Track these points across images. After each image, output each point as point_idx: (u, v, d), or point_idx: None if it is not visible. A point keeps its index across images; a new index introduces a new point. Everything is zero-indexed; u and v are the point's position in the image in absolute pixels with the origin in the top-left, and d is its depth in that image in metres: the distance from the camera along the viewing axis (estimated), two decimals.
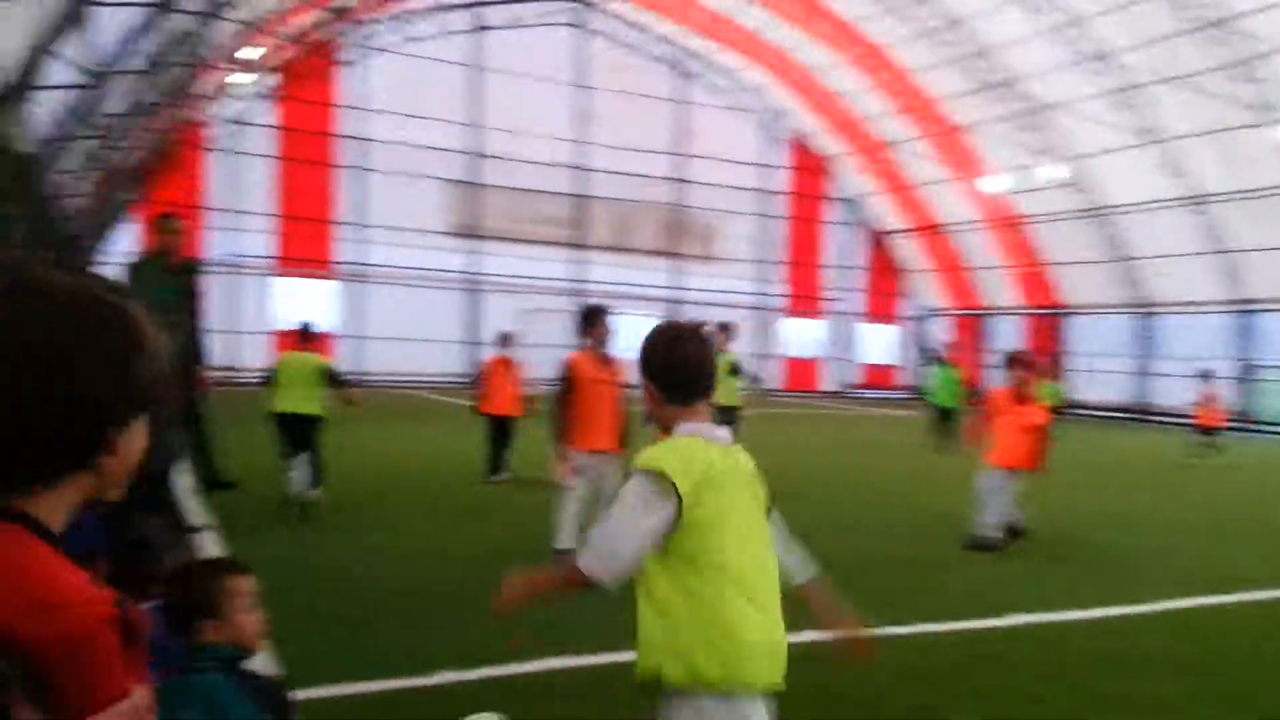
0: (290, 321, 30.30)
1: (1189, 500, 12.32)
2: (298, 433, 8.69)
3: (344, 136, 31.04)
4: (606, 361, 7.02)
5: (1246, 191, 26.75)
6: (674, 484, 2.40)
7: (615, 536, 2.44)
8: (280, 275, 30.49)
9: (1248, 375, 29.18)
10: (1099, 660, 5.15)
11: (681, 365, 2.65)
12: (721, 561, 2.42)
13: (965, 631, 5.69)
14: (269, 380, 9.04)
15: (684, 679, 2.36)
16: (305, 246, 30.49)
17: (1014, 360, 8.71)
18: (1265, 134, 24.76)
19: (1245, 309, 28.82)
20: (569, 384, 6.86)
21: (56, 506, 1.15)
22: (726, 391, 11.22)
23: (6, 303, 1.10)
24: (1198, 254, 29.06)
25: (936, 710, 4.42)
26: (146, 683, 1.16)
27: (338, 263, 31.32)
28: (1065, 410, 20.56)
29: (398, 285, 31.75)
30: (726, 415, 10.95)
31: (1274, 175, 25.66)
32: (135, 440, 1.20)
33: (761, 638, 2.42)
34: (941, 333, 40.37)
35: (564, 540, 6.77)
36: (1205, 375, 19.71)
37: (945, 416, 17.85)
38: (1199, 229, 28.53)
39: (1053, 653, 5.29)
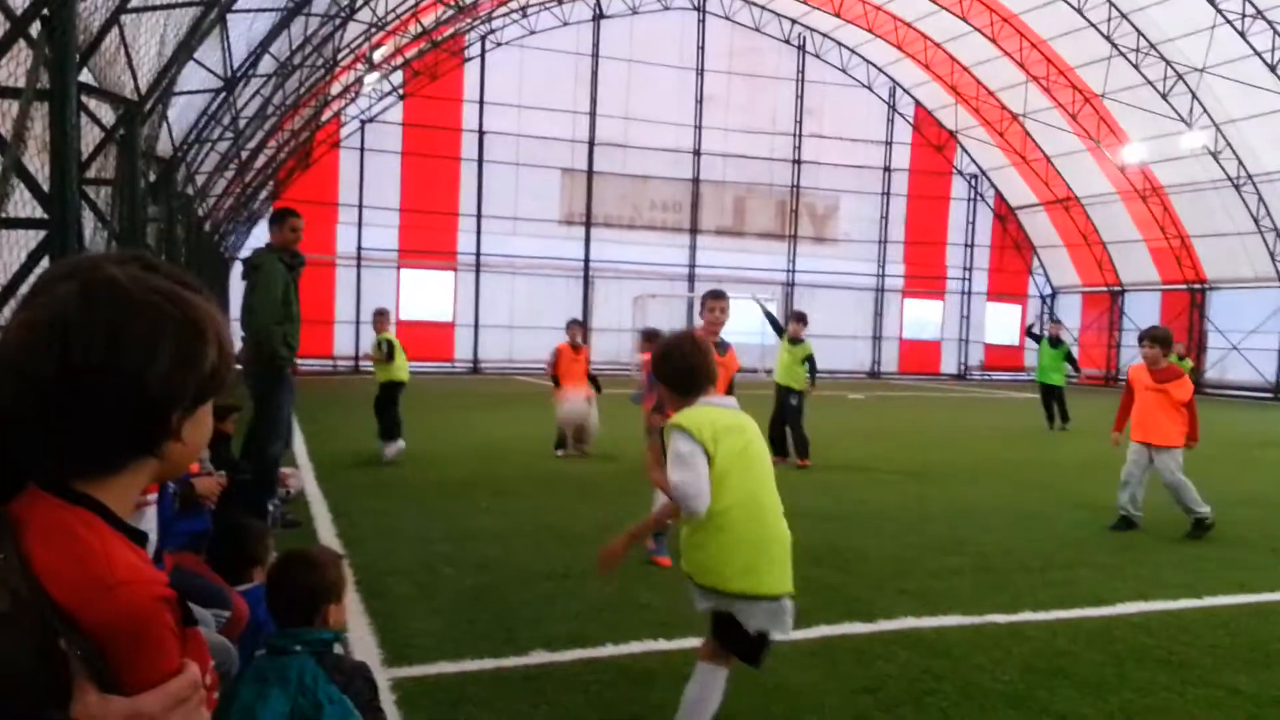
0: (418, 313, 30.86)
1: None
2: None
3: (467, 130, 31.72)
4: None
5: None
6: (698, 433, 3.33)
7: (691, 477, 3.27)
8: (406, 267, 31.42)
9: None
10: None
11: (686, 372, 3.56)
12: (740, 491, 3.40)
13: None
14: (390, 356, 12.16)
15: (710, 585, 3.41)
16: (429, 238, 31.34)
17: (1148, 337, 8.45)
18: None
19: None
20: None
21: (123, 491, 1.20)
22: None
23: (77, 296, 1.14)
24: None
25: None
26: (204, 660, 1.23)
27: (460, 253, 32.06)
28: (1199, 389, 19.41)
29: (517, 275, 32.35)
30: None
31: None
32: (200, 426, 1.25)
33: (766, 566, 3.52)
34: (1068, 311, 38.70)
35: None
36: None
37: (1051, 394, 17.85)
38: None
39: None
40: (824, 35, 35.27)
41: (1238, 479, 11.78)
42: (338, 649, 2.70)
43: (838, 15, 33.59)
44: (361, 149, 30.38)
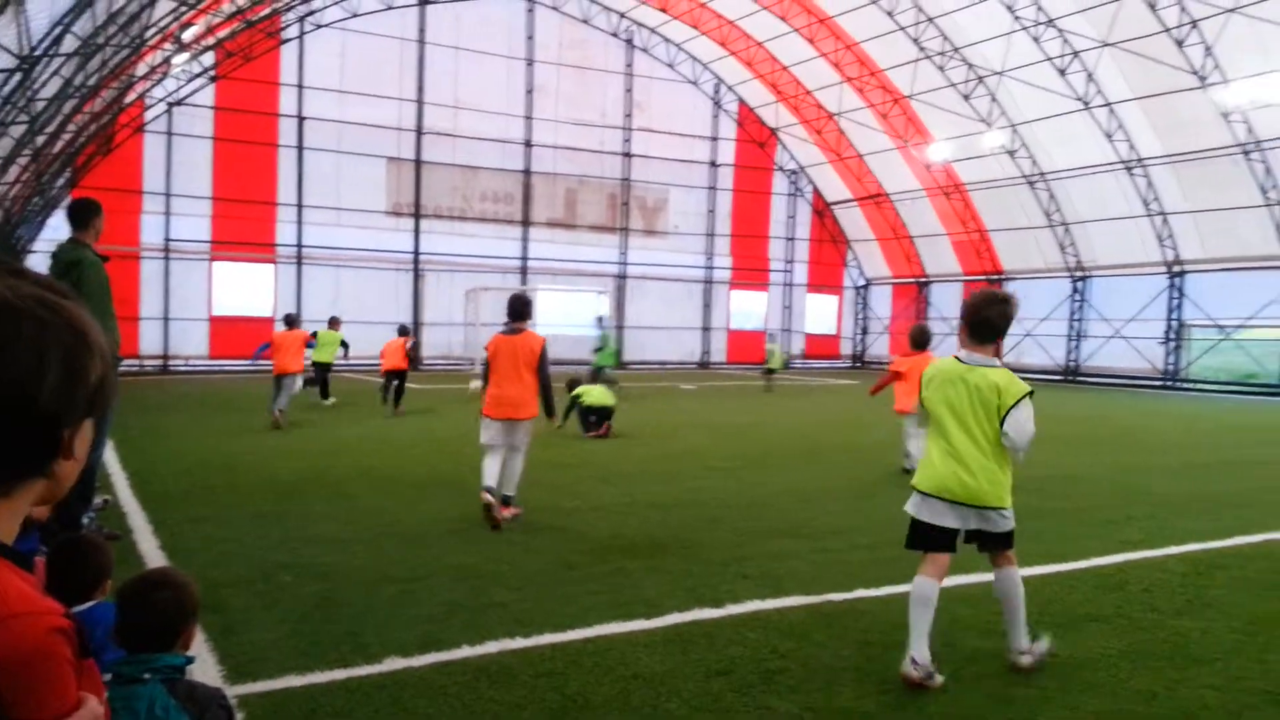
0: (232, 308, 29.91)
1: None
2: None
3: (284, 116, 30.30)
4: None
5: (1182, 155, 27.44)
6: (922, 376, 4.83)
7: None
8: (219, 260, 29.77)
9: (1178, 335, 30.02)
10: None
11: (981, 322, 4.66)
12: (939, 427, 4.58)
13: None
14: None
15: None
16: (245, 229, 29.79)
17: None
18: (1200, 98, 25.37)
19: (1177, 270, 29.58)
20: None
21: (10, 515, 1.11)
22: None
23: None
24: (1132, 217, 29.78)
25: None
26: (100, 693, 1.15)
27: (279, 245, 30.63)
28: None
29: (342, 267, 31.24)
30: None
31: (1209, 139, 26.31)
32: (85, 441, 1.16)
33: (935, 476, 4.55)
34: (880, 301, 40.96)
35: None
36: None
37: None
38: (1135, 192, 29.20)
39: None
40: (651, 30, 35.78)
41: (1043, 457, 12.79)
42: (189, 674, 2.55)
43: (664, 11, 34.16)
44: (169, 134, 28.53)
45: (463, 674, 4.36)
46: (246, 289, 30.10)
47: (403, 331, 18.71)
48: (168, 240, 28.70)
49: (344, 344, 18.54)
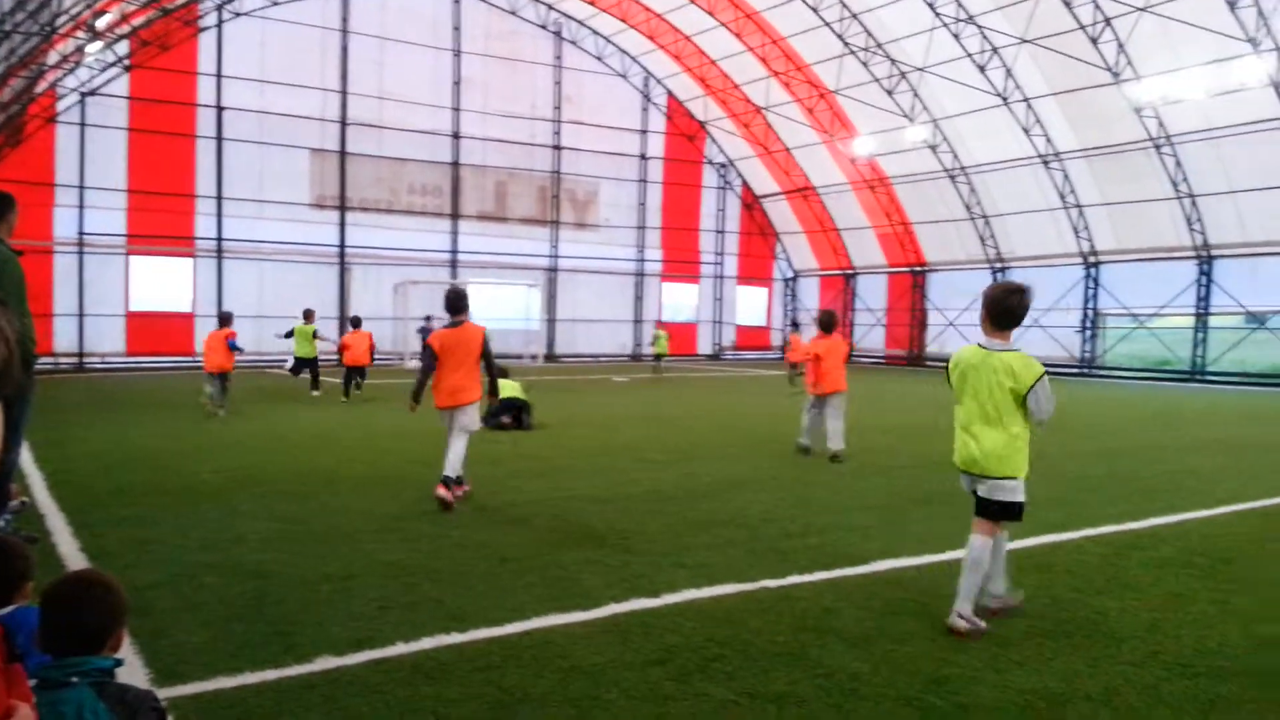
0: (150, 303, 29.42)
1: None
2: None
3: (203, 106, 29.47)
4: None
5: (1096, 149, 28.34)
6: (948, 366, 5.33)
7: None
8: (136, 254, 28.86)
9: (1094, 324, 31.04)
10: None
11: (1003, 311, 5.14)
12: (962, 407, 5.16)
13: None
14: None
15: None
16: (163, 222, 28.92)
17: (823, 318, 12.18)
18: (1113, 93, 26.22)
19: (1093, 261, 30.56)
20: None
21: None
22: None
23: None
24: (1049, 209, 30.67)
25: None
26: (28, 698, 1.12)
27: (198, 238, 29.81)
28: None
29: (264, 261, 30.55)
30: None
31: (1122, 133, 27.21)
32: None
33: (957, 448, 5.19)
34: (808, 293, 41.54)
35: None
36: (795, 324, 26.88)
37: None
38: (1052, 186, 30.07)
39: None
40: (580, 23, 35.67)
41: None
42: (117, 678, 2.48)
43: (592, 4, 34.09)
44: (82, 124, 27.56)
45: (398, 671, 4.31)
46: (165, 283, 29.27)
47: (356, 323, 20.64)
48: (82, 234, 27.76)
49: (315, 334, 19.58)
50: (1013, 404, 4.94)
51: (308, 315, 19.94)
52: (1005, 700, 4.04)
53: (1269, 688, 4.22)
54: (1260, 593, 5.74)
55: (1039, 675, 4.33)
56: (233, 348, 15.65)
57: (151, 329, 28.79)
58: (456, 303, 8.45)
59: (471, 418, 8.47)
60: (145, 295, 28.72)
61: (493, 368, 8.68)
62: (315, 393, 19.07)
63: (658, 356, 29.33)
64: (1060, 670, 4.40)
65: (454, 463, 8.21)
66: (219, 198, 29.78)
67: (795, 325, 29.08)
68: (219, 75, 29.48)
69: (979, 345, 5.18)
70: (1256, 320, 27.14)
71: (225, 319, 16.34)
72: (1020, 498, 5.01)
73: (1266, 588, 5.85)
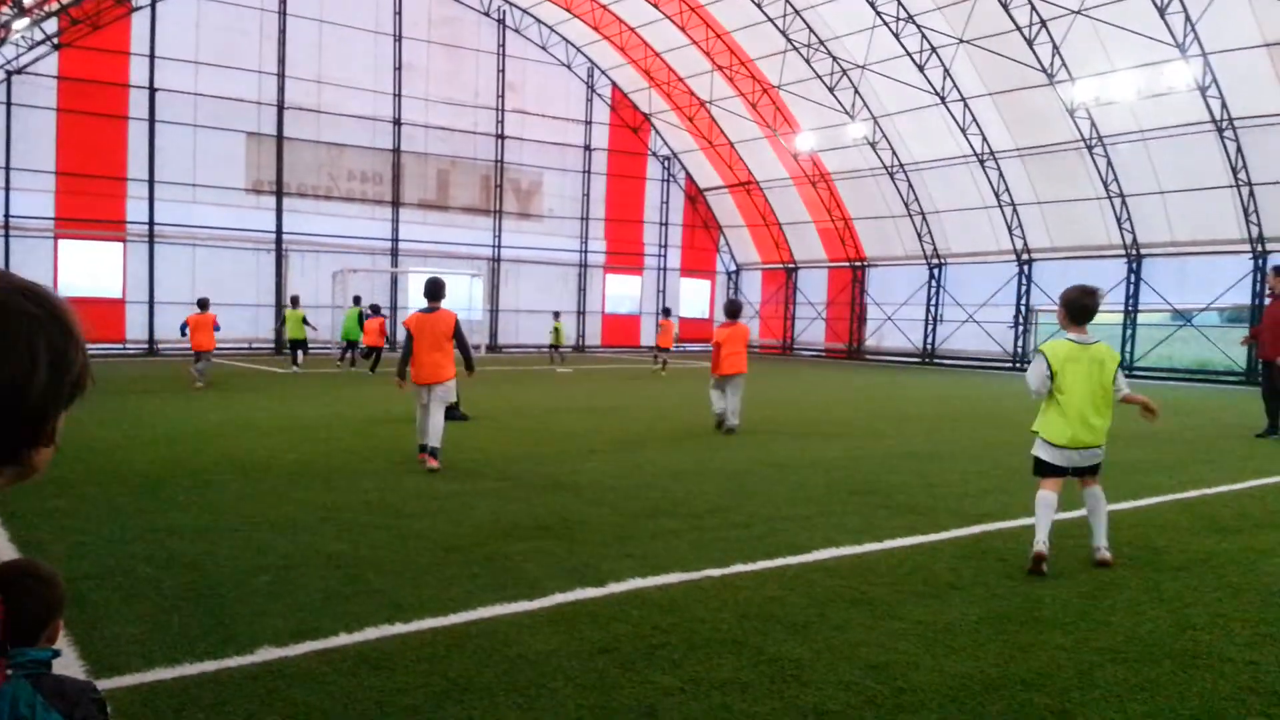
0: (79, 288, 29.13)
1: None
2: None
3: (135, 87, 28.64)
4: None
5: (1030, 149, 28.99)
6: (1047, 357, 6.02)
7: (1031, 377, 6.09)
8: (65, 238, 28.00)
9: (1026, 319, 31.80)
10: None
11: (1080, 309, 6.09)
12: (1068, 394, 6.00)
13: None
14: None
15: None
16: (93, 206, 28.08)
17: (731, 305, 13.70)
18: (1048, 94, 26.82)
19: (1026, 259, 31.28)
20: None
21: None
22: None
23: None
24: (985, 207, 31.30)
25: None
26: None
27: (130, 223, 29.01)
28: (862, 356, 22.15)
29: (198, 246, 29.87)
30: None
31: (1056, 134, 27.87)
32: (62, 427, 1.16)
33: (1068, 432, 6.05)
34: (750, 286, 41.88)
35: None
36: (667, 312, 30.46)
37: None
38: (988, 184, 30.69)
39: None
40: (524, 11, 35.42)
41: (898, 436, 13.39)
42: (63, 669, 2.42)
43: None
44: (8, 104, 26.65)
45: (341, 661, 4.27)
46: (95, 268, 28.47)
47: (376, 311, 24.99)
48: (7, 216, 26.89)
49: (305, 321, 23.87)
50: (1109, 385, 6.03)
51: (294, 301, 24.11)
52: (942, 684, 4.15)
53: (1197, 670, 4.38)
54: (1188, 579, 5.95)
55: (974, 660, 4.45)
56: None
57: (81, 315, 27.83)
58: (434, 290, 9.57)
59: (449, 390, 9.62)
60: (75, 280, 27.90)
61: (466, 349, 9.69)
62: (295, 368, 23.21)
63: (554, 346, 29.99)
64: (994, 655, 4.52)
65: (435, 432, 9.33)
66: (151, 181, 29.01)
67: (667, 312, 30.63)
68: (152, 56, 28.69)
69: (1069, 340, 6.08)
70: (1183, 318, 28.04)
71: (204, 304, 19.43)
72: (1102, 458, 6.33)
73: (1194, 574, 6.07)
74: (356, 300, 24.78)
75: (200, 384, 18.16)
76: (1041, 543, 5.97)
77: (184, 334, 19.07)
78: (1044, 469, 6.26)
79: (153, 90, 28.75)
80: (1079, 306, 6.06)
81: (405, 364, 9.58)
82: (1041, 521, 6.05)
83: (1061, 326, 6.20)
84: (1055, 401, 6.05)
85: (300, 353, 23.92)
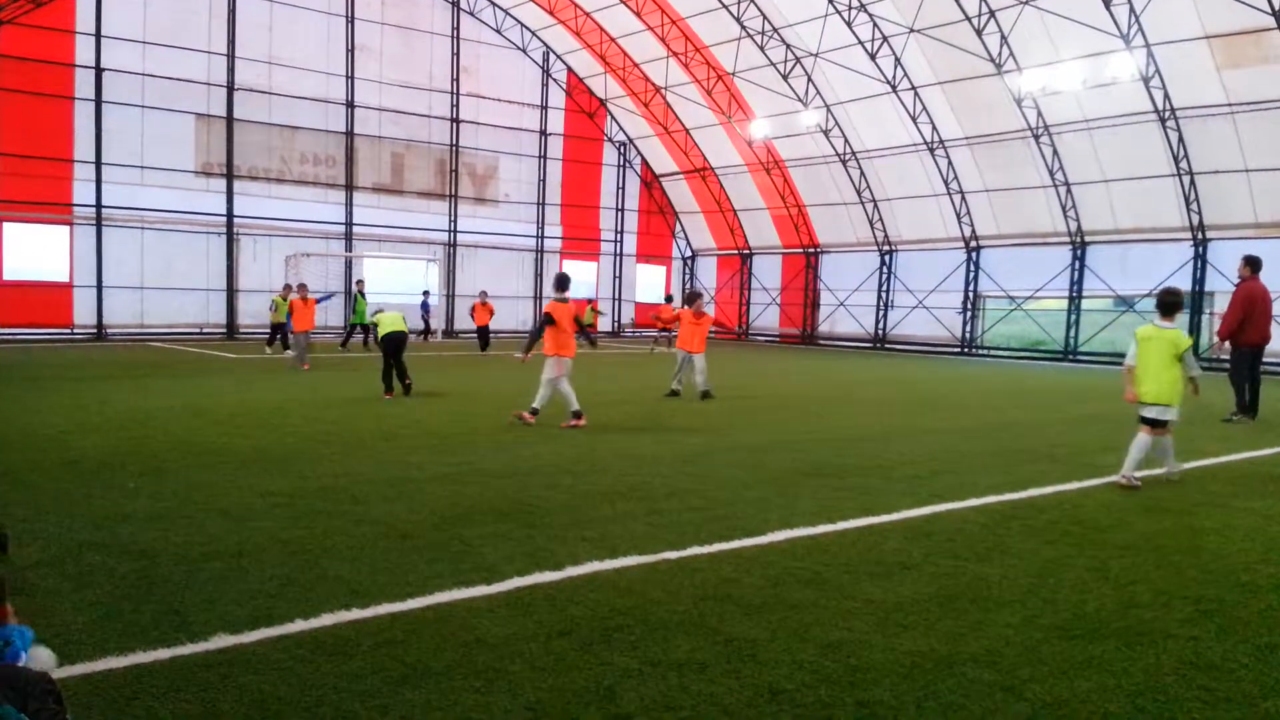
0: (24, 272, 28.59)
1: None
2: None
3: (80, 67, 27.90)
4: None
5: (978, 137, 29.37)
6: (1136, 336, 8.72)
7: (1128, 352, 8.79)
8: (9, 220, 27.28)
9: (974, 305, 32.29)
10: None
11: (1165, 305, 8.66)
12: (1147, 364, 8.55)
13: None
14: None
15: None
16: (37, 188, 27.36)
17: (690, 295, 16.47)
18: (996, 84, 27.17)
19: (974, 246, 31.74)
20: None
21: None
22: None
23: None
24: (934, 195, 31.68)
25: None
26: None
27: (76, 205, 28.32)
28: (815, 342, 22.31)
29: (146, 230, 29.26)
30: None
31: (1003, 123, 28.27)
32: None
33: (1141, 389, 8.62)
34: (705, 272, 42.02)
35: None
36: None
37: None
38: (937, 172, 31.06)
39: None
40: None
41: (851, 418, 13.57)
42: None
43: None
44: None
45: (298, 648, 4.26)
46: (41, 252, 27.83)
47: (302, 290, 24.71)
48: None
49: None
50: (1173, 361, 8.27)
51: (287, 289, 24.66)
52: (894, 662, 4.24)
53: (1141, 647, 4.53)
54: (1133, 558, 6.13)
55: (925, 638, 4.55)
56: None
57: (25, 299, 27.33)
58: (563, 283, 11.91)
59: (568, 368, 11.81)
60: (19, 264, 27.24)
61: (587, 333, 12.60)
62: (284, 351, 23.74)
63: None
64: (945, 633, 4.64)
65: (569, 398, 11.84)
66: (98, 163, 28.33)
67: (669, 298, 32.91)
68: (98, 35, 27.96)
69: (1154, 324, 8.52)
70: (1125, 303, 28.65)
71: (301, 289, 21.22)
72: (1172, 417, 8.42)
73: (1139, 553, 6.25)
74: (287, 289, 24.82)
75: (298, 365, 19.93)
76: (1129, 472, 8.46)
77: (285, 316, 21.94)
78: (1142, 420, 8.53)
79: (99, 70, 28.05)
80: (1169, 302, 8.51)
81: (533, 343, 11.97)
82: (1133, 456, 8.44)
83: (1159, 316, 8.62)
84: (1142, 370, 8.43)
85: (279, 341, 24.77)
